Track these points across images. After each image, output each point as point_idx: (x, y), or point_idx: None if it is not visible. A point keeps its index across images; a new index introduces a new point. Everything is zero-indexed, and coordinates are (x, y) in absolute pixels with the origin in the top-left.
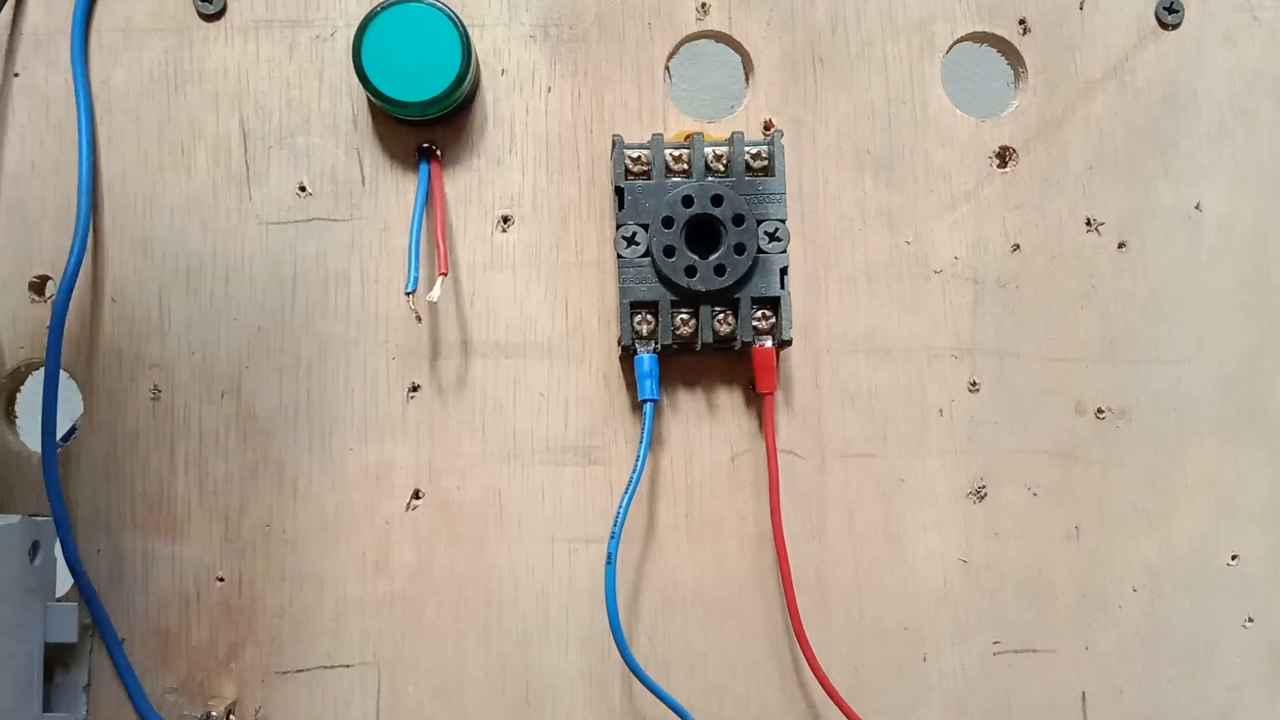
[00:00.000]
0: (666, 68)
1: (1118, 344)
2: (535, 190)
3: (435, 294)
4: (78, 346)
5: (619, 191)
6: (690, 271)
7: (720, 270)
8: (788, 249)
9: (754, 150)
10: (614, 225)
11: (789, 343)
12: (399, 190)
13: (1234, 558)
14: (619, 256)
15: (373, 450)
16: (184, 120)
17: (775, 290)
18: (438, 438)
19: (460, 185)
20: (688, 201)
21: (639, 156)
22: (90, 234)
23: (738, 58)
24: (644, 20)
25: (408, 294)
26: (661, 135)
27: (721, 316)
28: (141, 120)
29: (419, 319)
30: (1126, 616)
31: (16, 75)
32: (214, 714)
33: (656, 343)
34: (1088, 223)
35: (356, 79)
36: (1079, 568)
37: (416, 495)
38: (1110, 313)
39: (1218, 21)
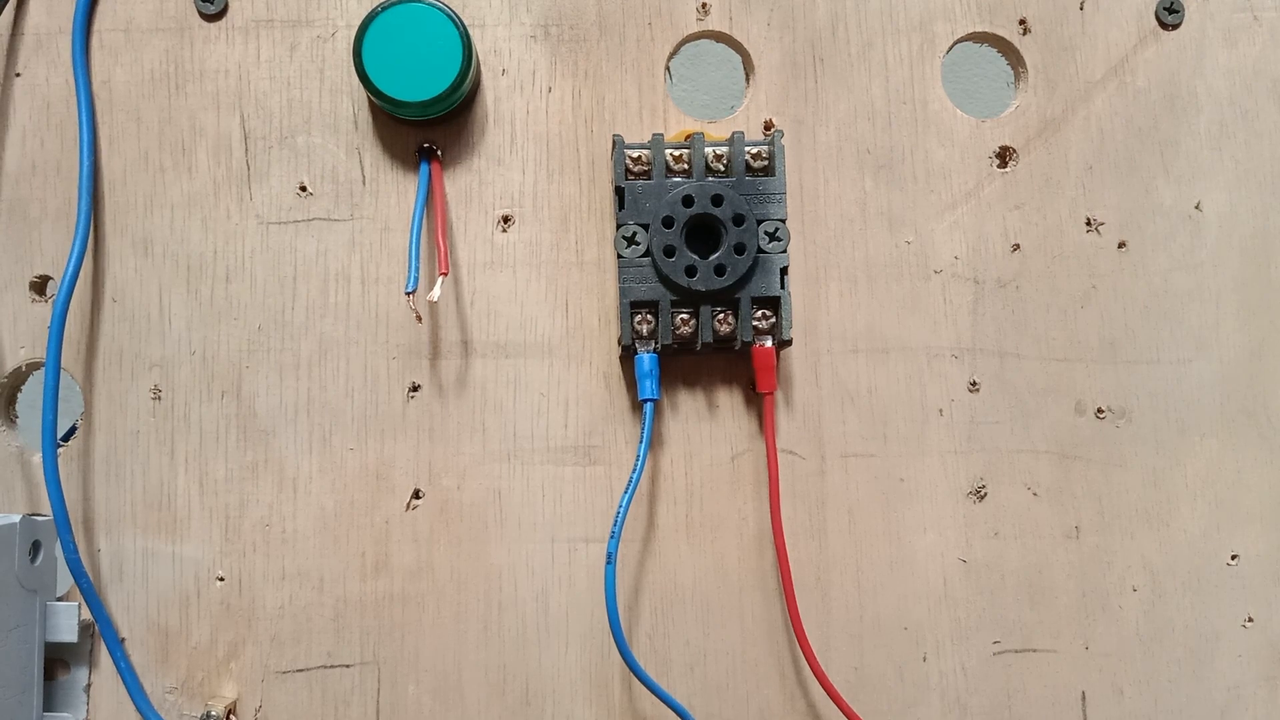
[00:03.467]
0: (667, 68)
1: (1118, 344)
2: (535, 190)
3: (435, 294)
4: (78, 346)
5: (619, 191)
6: (690, 271)
7: (720, 270)
8: (788, 249)
9: (754, 150)
10: (614, 225)
11: (789, 343)
12: (399, 190)
13: (1234, 558)
14: (619, 256)
15: (373, 450)
16: (185, 120)
17: (775, 290)
18: (438, 437)
19: (460, 185)
20: (688, 201)
21: (639, 156)
22: (91, 234)
23: (738, 58)
24: (644, 20)
25: (408, 294)
26: (662, 135)
27: (721, 316)
28: (142, 120)
29: (419, 319)
30: (1126, 616)
31: (18, 75)
32: (214, 714)
33: (656, 342)
34: (1088, 223)
35: (357, 79)
36: (1079, 568)
37: (416, 495)
38: (1110, 313)
39: (1218, 21)
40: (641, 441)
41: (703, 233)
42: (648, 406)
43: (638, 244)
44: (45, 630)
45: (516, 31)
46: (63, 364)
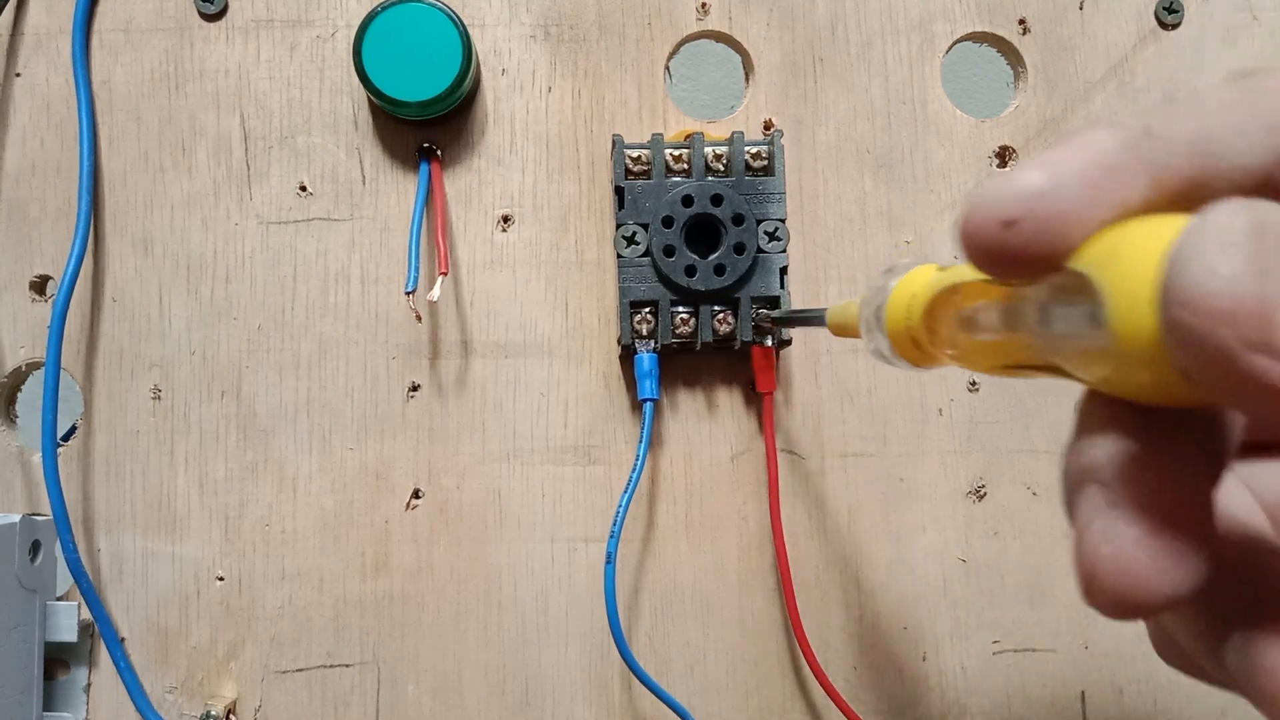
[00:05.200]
0: (666, 68)
1: None
2: (535, 190)
3: (435, 294)
4: (78, 346)
5: (619, 191)
6: (690, 271)
7: (720, 270)
8: (787, 249)
9: (754, 150)
10: (614, 225)
11: (789, 342)
12: (399, 190)
13: None
14: (619, 256)
15: (372, 450)
16: (185, 120)
17: (775, 290)
18: (438, 437)
19: (460, 185)
20: (688, 201)
21: (639, 156)
22: (91, 234)
23: (738, 58)
24: (644, 20)
25: (408, 294)
26: (661, 135)
27: (721, 316)
28: (142, 120)
29: (419, 319)
30: None
31: (18, 75)
32: (214, 713)
33: (656, 342)
34: None
35: (357, 79)
36: None
37: (416, 495)
38: None
39: (1218, 21)
40: (641, 441)
41: (702, 232)
42: (647, 406)
43: (637, 244)
44: (45, 630)
45: (516, 31)
46: (63, 364)
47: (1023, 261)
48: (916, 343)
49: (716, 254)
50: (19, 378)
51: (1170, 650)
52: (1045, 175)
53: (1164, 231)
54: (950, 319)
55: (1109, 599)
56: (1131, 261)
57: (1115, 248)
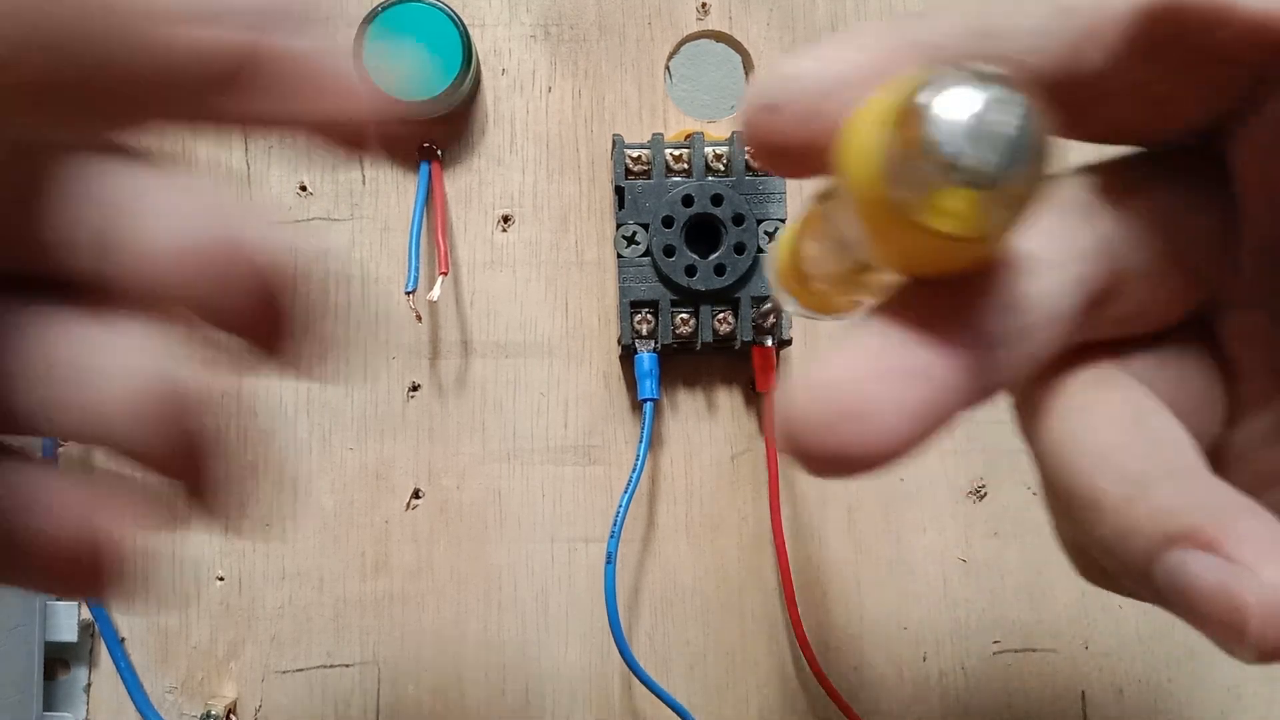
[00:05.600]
0: (667, 68)
1: None
2: (535, 190)
3: (435, 293)
4: None
5: (619, 191)
6: (690, 271)
7: (720, 270)
8: None
9: None
10: (614, 225)
11: (789, 342)
12: (399, 190)
13: None
14: (619, 256)
15: (372, 449)
16: None
17: None
18: (438, 437)
19: (460, 185)
20: (688, 201)
21: (639, 156)
22: None
23: (738, 57)
24: (644, 20)
25: (408, 293)
26: (661, 135)
27: (721, 316)
28: None
29: (419, 318)
30: (1126, 616)
31: None
32: (214, 713)
33: (656, 342)
34: None
35: None
36: None
37: (416, 495)
38: None
39: None
40: (641, 441)
41: (703, 232)
42: (647, 406)
43: (637, 244)
44: (45, 630)
45: (516, 31)
46: None
47: (791, 149)
48: (804, 290)
49: (717, 254)
50: None
51: (1094, 571)
52: (806, 58)
53: (887, 93)
54: (805, 257)
55: (787, 440)
56: (858, 126)
57: (850, 120)
